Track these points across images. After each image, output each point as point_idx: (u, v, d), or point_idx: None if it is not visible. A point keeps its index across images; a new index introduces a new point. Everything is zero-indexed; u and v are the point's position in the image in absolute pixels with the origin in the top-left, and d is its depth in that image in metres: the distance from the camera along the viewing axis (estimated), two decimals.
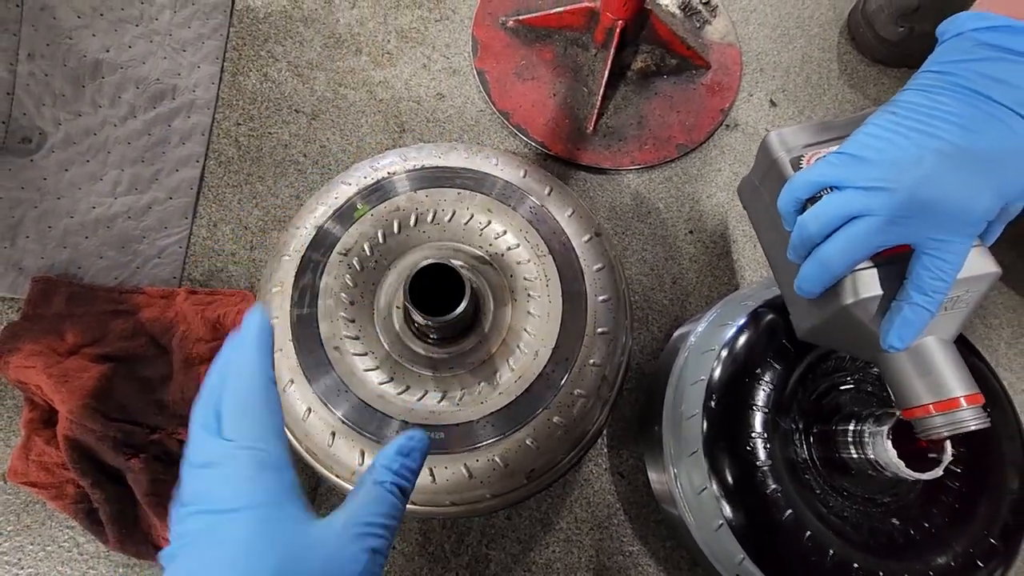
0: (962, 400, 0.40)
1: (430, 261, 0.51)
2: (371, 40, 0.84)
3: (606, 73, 0.79)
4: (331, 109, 0.81)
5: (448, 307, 0.51)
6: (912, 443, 0.48)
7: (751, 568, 0.54)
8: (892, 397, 0.44)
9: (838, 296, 0.41)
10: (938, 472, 0.49)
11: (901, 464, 0.49)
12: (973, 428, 0.40)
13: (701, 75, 0.85)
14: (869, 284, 0.40)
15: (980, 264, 0.40)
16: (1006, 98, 0.35)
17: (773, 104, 0.86)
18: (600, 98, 0.80)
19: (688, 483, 0.57)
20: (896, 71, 0.88)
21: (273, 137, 0.79)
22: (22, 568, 0.61)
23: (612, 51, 0.79)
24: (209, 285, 0.72)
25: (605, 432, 0.72)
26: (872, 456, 0.52)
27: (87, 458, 0.60)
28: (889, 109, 0.38)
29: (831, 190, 0.39)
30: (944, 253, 0.36)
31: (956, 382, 0.40)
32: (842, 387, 0.59)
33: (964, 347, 0.58)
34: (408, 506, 0.54)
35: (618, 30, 0.79)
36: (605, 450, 0.71)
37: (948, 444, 0.49)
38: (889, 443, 0.49)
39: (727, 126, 0.84)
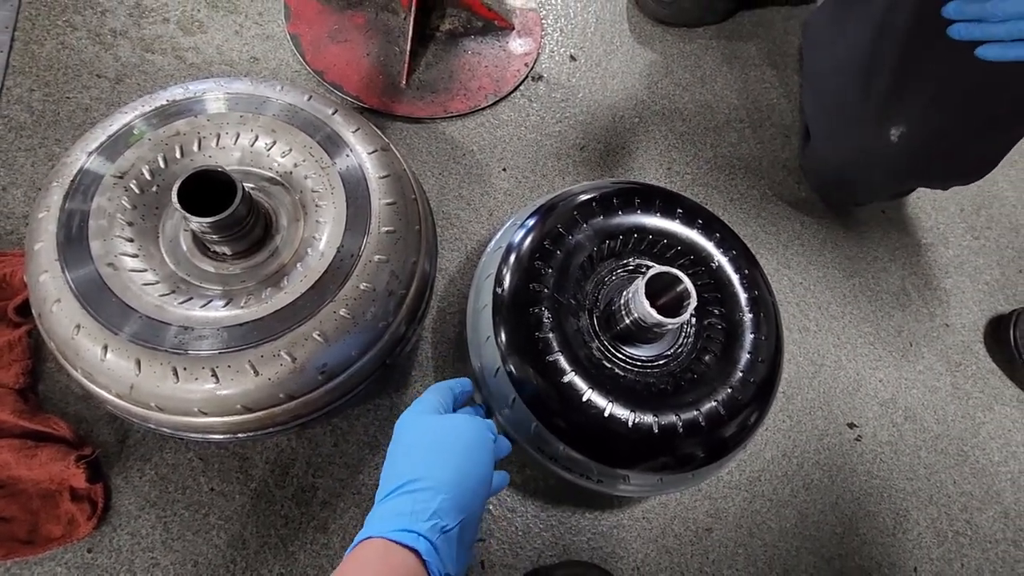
0: None
1: (200, 168, 0.52)
2: (179, 9, 0.85)
3: (410, 32, 0.85)
4: (136, 74, 0.80)
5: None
6: (659, 300, 0.57)
7: (544, 434, 0.57)
8: None
9: None
10: (685, 317, 0.56)
11: (654, 312, 0.55)
12: None
13: (506, 35, 0.93)
14: None
15: None
16: None
17: (573, 59, 0.95)
18: (408, 55, 0.85)
19: (489, 369, 0.61)
20: (675, 29, 1.01)
21: (72, 101, 0.77)
22: None
23: (414, 13, 0.85)
24: None
25: (431, 355, 0.74)
26: (636, 315, 0.58)
27: None
28: None
29: None
30: None
31: None
32: (617, 271, 0.66)
33: (745, 258, 0.67)
34: (197, 419, 0.53)
35: None
36: (432, 372, 0.73)
37: (692, 294, 0.57)
38: (646, 299, 0.56)
39: (533, 78, 0.92)
